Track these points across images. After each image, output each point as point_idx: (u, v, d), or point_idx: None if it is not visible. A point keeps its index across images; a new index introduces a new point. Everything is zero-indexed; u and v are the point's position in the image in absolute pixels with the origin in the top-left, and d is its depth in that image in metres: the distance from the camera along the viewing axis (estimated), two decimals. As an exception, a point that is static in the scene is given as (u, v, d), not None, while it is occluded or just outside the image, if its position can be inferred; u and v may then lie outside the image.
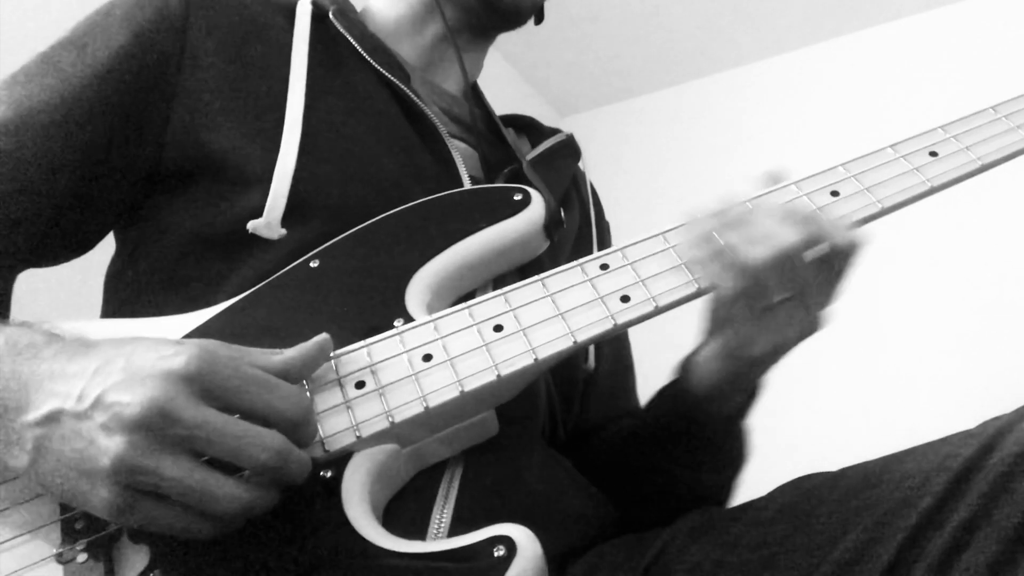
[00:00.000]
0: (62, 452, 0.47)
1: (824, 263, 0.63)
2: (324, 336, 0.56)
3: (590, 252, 0.87)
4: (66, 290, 1.09)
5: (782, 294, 0.62)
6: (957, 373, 2.23)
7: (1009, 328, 2.23)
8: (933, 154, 0.69)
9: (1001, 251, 2.35)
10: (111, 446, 0.45)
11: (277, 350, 0.54)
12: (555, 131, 0.95)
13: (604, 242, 0.95)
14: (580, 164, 0.97)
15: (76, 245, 0.72)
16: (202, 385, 0.47)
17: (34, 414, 0.48)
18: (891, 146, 0.70)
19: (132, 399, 0.45)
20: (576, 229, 0.90)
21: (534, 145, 0.91)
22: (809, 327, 0.65)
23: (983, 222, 2.28)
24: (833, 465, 0.67)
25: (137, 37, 0.69)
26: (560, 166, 0.90)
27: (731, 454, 0.77)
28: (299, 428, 0.51)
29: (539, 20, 0.92)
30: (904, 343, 2.30)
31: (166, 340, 0.49)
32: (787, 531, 0.60)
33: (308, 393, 0.56)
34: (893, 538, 0.54)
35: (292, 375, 0.54)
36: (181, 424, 0.45)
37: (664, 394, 0.78)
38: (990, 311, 2.28)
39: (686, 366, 0.73)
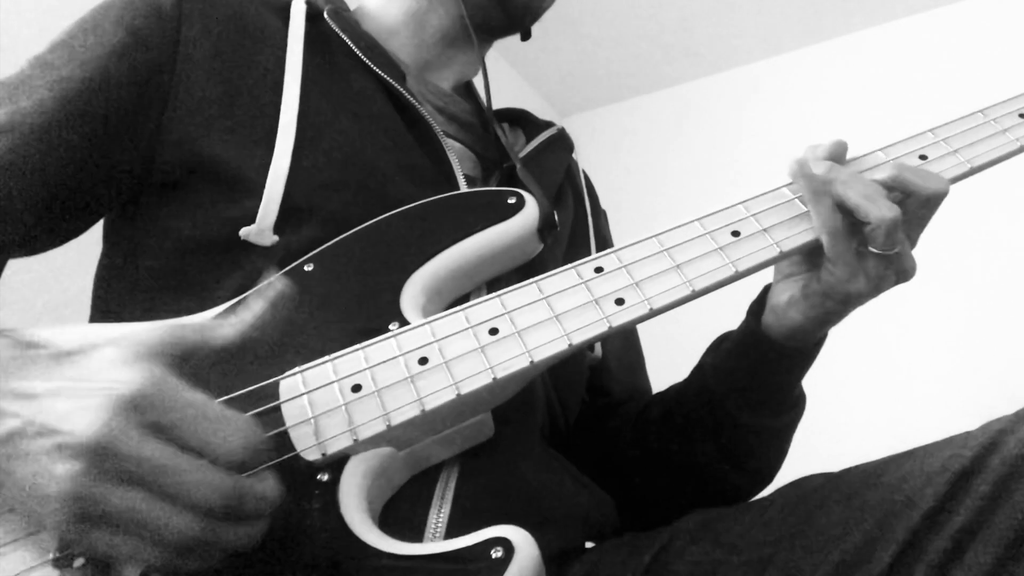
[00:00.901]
0: (18, 473, 0.46)
1: (915, 212, 0.68)
2: (273, 284, 0.54)
3: (587, 245, 0.89)
4: (58, 291, 1.10)
5: (889, 248, 0.66)
6: (958, 374, 2.23)
7: (1010, 329, 2.23)
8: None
9: (1002, 251, 2.35)
10: (60, 473, 0.44)
11: (233, 318, 0.53)
12: (548, 124, 0.95)
13: (600, 232, 0.95)
14: (574, 155, 0.97)
15: (63, 238, 0.72)
16: (150, 416, 0.45)
17: None
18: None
19: (78, 428, 0.44)
20: (571, 223, 0.90)
21: (529, 138, 0.91)
22: (905, 272, 0.69)
23: (983, 222, 2.28)
24: (834, 466, 0.67)
25: (130, 38, 0.69)
26: (553, 161, 0.90)
27: (794, 399, 0.78)
28: (246, 465, 0.48)
29: (526, 37, 0.92)
30: (905, 344, 2.30)
31: (126, 357, 0.47)
32: (788, 532, 0.60)
33: (306, 399, 0.56)
34: (894, 539, 0.54)
35: (250, 340, 0.52)
36: (122, 458, 0.44)
37: (725, 341, 0.79)
38: (991, 311, 2.28)
39: (759, 308, 0.75)
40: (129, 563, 0.48)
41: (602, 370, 0.89)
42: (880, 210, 0.64)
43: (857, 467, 0.64)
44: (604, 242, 0.96)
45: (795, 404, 0.78)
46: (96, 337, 0.49)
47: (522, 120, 0.96)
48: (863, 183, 0.66)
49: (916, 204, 0.68)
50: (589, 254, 0.87)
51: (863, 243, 0.66)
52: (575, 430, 0.85)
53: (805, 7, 2.68)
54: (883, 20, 2.72)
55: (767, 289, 0.75)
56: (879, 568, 0.53)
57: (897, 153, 0.71)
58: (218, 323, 0.52)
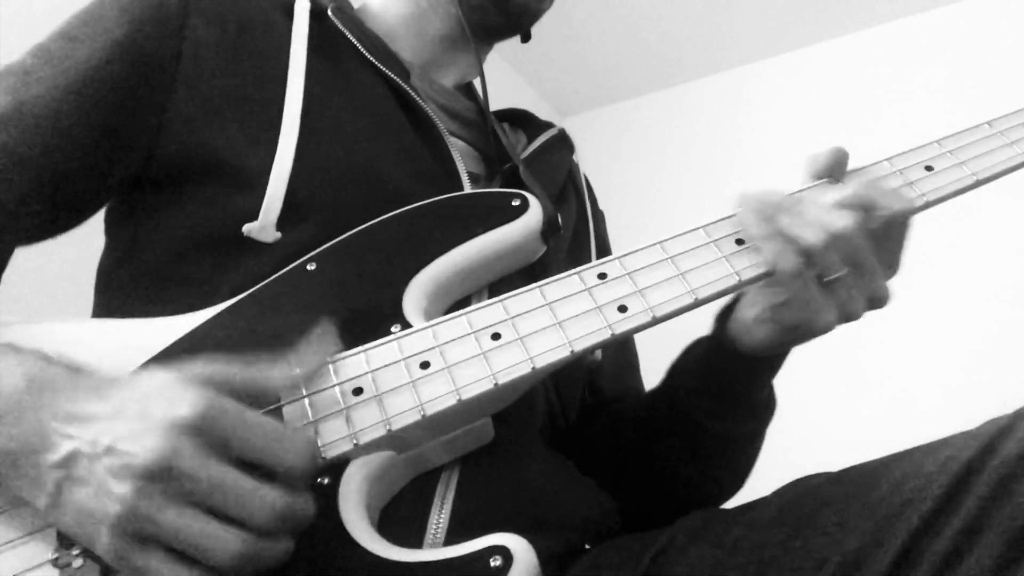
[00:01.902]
0: (76, 495, 0.47)
1: (882, 234, 0.66)
2: (325, 333, 0.57)
3: (587, 245, 0.89)
4: (59, 286, 1.09)
5: (840, 270, 0.64)
6: (958, 373, 2.23)
7: (1010, 328, 2.23)
8: None
9: (1001, 251, 2.35)
10: (119, 493, 0.46)
11: (282, 364, 0.54)
12: (549, 124, 0.95)
13: (600, 233, 0.95)
14: (574, 157, 0.97)
15: (62, 227, 0.72)
16: (209, 436, 0.47)
17: (54, 456, 0.48)
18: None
19: (139, 450, 0.46)
20: (573, 223, 0.90)
21: (530, 138, 0.91)
22: (878, 299, 0.67)
23: (983, 222, 2.28)
24: (834, 466, 0.67)
25: (134, 30, 0.69)
26: (555, 161, 0.90)
27: (760, 405, 0.78)
28: (305, 476, 0.51)
29: (526, 38, 0.92)
30: (905, 343, 2.30)
31: (178, 383, 0.49)
32: (787, 533, 0.60)
33: (307, 402, 0.56)
34: (894, 540, 0.54)
35: (297, 384, 0.55)
36: (185, 478, 0.46)
37: (696, 346, 0.78)
38: (991, 311, 2.28)
39: (726, 324, 0.74)
40: None
41: (595, 372, 0.89)
42: (808, 235, 0.63)
43: (856, 467, 0.64)
44: (602, 244, 0.97)
45: (764, 408, 0.78)
46: (117, 335, 0.52)
47: (523, 120, 0.96)
48: (802, 214, 0.64)
49: (881, 224, 0.66)
50: (590, 255, 0.87)
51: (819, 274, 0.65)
52: (573, 430, 0.85)
53: (805, 7, 2.68)
54: (883, 20, 2.72)
55: (738, 297, 0.74)
56: (879, 569, 0.53)
57: (903, 164, 0.71)
58: (269, 373, 0.54)
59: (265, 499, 0.47)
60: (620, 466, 0.82)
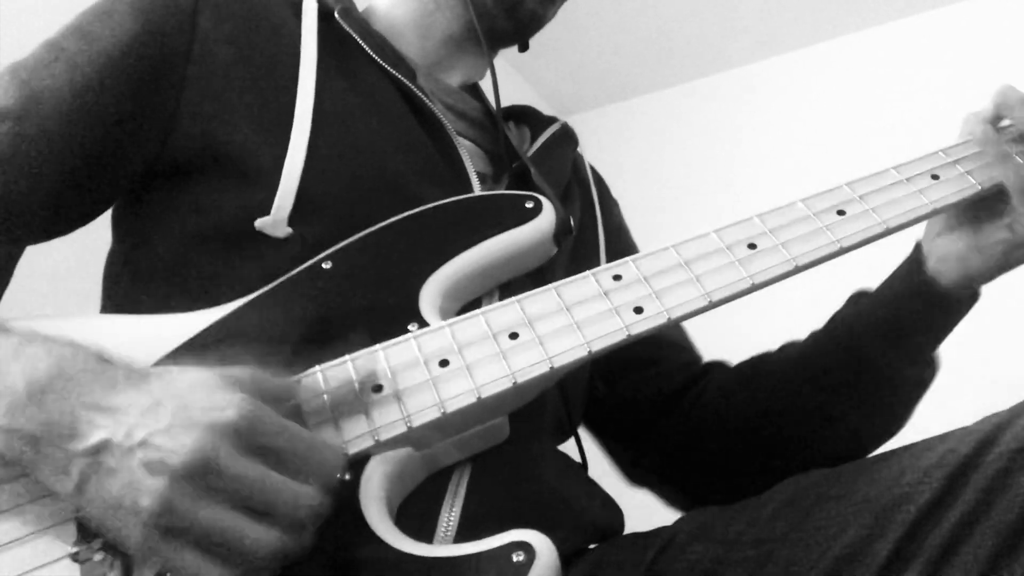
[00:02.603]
0: (105, 485, 0.47)
1: None
2: (369, 369, 0.58)
3: (595, 240, 0.90)
4: (65, 282, 1.09)
5: None
6: (956, 370, 2.23)
7: (1008, 326, 2.24)
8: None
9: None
10: (154, 487, 0.46)
11: (316, 386, 0.56)
12: (552, 119, 0.95)
13: (614, 221, 0.96)
14: (579, 149, 0.97)
15: (73, 225, 0.72)
16: (248, 440, 0.48)
17: (83, 443, 0.48)
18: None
19: (178, 447, 0.46)
20: (579, 218, 0.90)
21: (534, 135, 0.92)
22: None
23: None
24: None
25: (146, 25, 0.69)
26: (560, 157, 0.91)
27: (934, 357, 0.80)
28: (332, 481, 0.52)
29: (524, 48, 0.93)
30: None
31: (218, 384, 0.50)
32: (786, 528, 0.61)
33: (327, 399, 0.57)
34: (892, 533, 0.54)
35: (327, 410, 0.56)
36: (223, 477, 0.47)
37: (864, 297, 0.81)
38: (989, 308, 2.28)
39: (915, 262, 0.77)
40: None
41: (672, 344, 0.90)
42: None
43: (855, 463, 0.64)
44: (619, 231, 0.97)
45: (933, 362, 0.80)
46: (128, 330, 0.52)
47: (527, 117, 0.97)
48: None
49: None
50: (596, 249, 0.88)
51: None
52: (649, 416, 0.86)
53: (805, 7, 2.68)
54: (883, 20, 2.72)
55: (918, 246, 0.78)
56: (877, 562, 0.54)
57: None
58: (296, 384, 0.55)
59: (301, 498, 0.48)
60: (757, 424, 0.82)
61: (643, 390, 0.88)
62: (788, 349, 0.85)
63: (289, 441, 0.50)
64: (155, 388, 0.50)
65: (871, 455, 0.65)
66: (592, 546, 0.73)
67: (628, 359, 0.82)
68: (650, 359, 0.89)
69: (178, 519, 0.46)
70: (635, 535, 0.72)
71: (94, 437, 0.48)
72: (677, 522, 0.69)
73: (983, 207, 0.73)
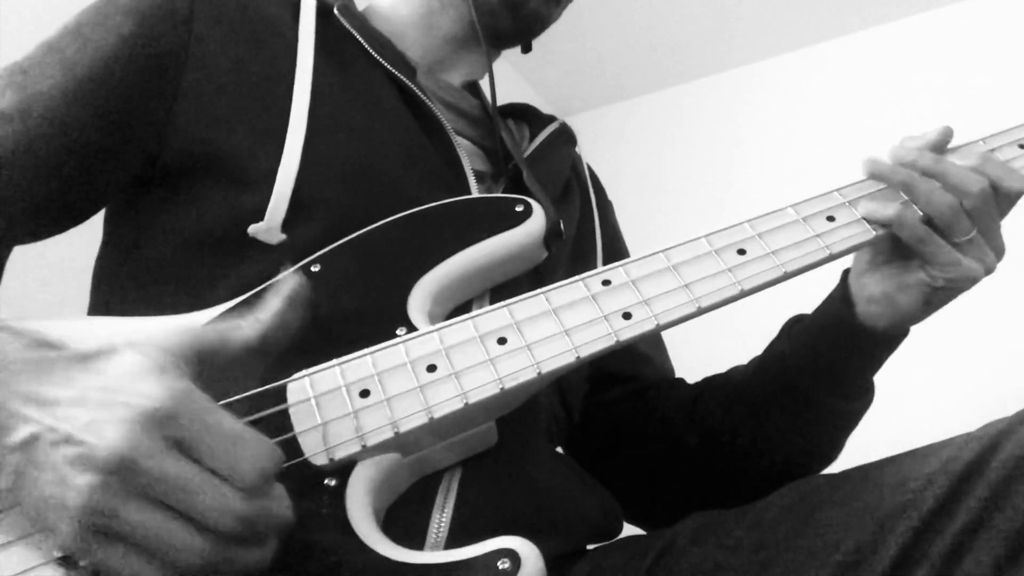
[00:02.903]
0: (36, 480, 0.45)
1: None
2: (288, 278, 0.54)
3: (592, 240, 0.89)
4: (52, 283, 1.09)
5: (970, 232, 0.69)
6: (959, 375, 2.23)
7: (1011, 330, 2.24)
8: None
9: (1008, 251, 2.35)
10: (81, 483, 0.43)
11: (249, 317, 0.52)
12: (551, 118, 0.95)
13: (608, 223, 0.96)
14: (577, 149, 0.97)
15: (66, 224, 0.72)
16: (174, 432, 0.45)
17: (12, 438, 0.45)
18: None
19: (100, 441, 0.43)
20: (576, 219, 0.90)
21: (533, 133, 0.92)
22: (988, 267, 0.71)
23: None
24: (834, 467, 0.68)
25: (142, 27, 0.69)
26: (558, 156, 0.91)
27: (869, 384, 0.80)
28: (255, 486, 0.47)
29: (527, 49, 0.92)
30: (906, 345, 2.30)
31: (150, 367, 0.46)
32: (788, 533, 0.61)
33: (314, 403, 0.56)
34: (895, 540, 0.54)
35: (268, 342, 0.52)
36: (143, 474, 0.43)
37: (796, 326, 0.81)
38: (992, 313, 2.28)
39: (844, 296, 0.76)
40: None
41: (630, 354, 0.89)
42: (943, 199, 0.68)
43: (857, 468, 0.64)
44: (612, 233, 0.97)
45: (868, 390, 0.80)
46: (115, 340, 0.49)
47: (527, 115, 0.96)
48: (946, 173, 0.69)
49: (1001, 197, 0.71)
50: (594, 248, 0.88)
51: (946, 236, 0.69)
52: (586, 426, 0.85)
53: (805, 7, 2.68)
54: (883, 20, 2.72)
55: (845, 276, 0.77)
56: (880, 569, 0.54)
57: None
58: (236, 324, 0.52)
59: (228, 505, 0.44)
60: (700, 449, 0.82)
61: (589, 405, 0.88)
62: (732, 373, 0.86)
63: (208, 433, 0.46)
64: (85, 378, 0.47)
65: (874, 461, 0.64)
66: (591, 547, 0.73)
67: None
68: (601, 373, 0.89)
69: (104, 518, 0.43)
70: (634, 538, 0.72)
71: (23, 431, 0.45)
72: (677, 525, 0.69)
73: (902, 244, 0.71)
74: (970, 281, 0.69)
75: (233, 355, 0.51)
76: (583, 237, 0.88)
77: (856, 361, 0.77)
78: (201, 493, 0.44)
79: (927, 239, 0.68)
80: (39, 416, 0.46)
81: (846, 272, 0.77)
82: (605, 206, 0.98)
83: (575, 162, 0.96)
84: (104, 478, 0.43)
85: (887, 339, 0.75)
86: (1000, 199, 0.70)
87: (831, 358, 0.76)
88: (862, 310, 0.74)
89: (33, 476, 0.45)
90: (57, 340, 0.51)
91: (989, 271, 0.70)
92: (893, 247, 0.72)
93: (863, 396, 0.79)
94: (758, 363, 0.83)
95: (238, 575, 0.46)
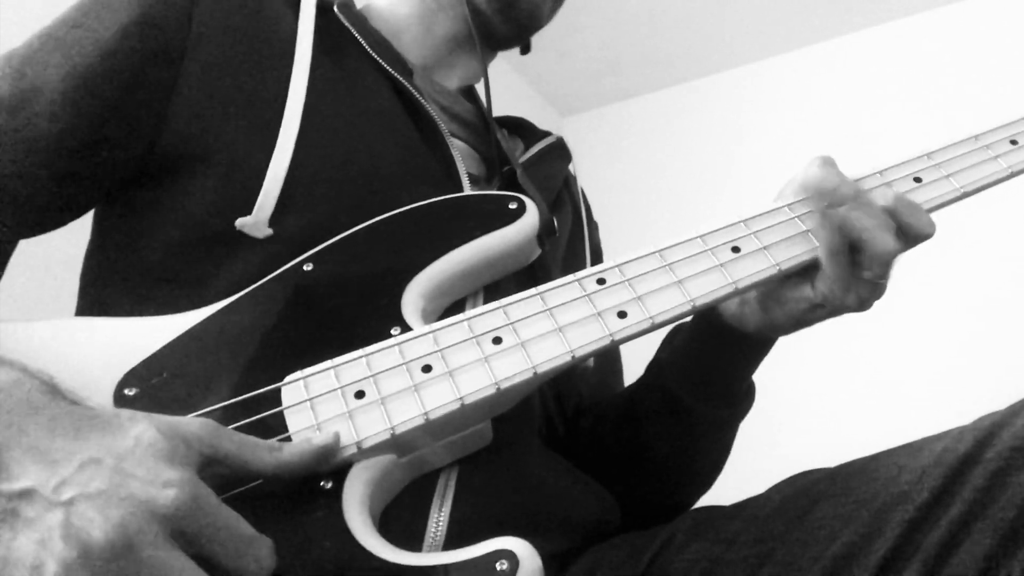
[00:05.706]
0: (17, 534, 0.43)
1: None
2: (327, 440, 0.54)
3: (582, 254, 0.90)
4: (39, 282, 1.08)
5: (883, 276, 0.66)
6: (952, 370, 2.23)
7: (1005, 325, 2.24)
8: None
9: (998, 248, 2.35)
10: (65, 556, 0.41)
11: (275, 450, 0.52)
12: (546, 133, 0.95)
13: (594, 242, 0.96)
14: (571, 167, 0.97)
15: (62, 219, 0.71)
16: (179, 527, 0.43)
17: (10, 485, 0.44)
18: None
19: (102, 521, 0.42)
20: (568, 231, 0.90)
21: (527, 146, 0.92)
22: (865, 307, 0.68)
23: (982, 219, 2.28)
24: (830, 462, 0.68)
25: (142, 17, 0.69)
26: (552, 168, 0.91)
27: (742, 394, 0.79)
28: None
29: (525, 50, 0.92)
30: (899, 341, 2.30)
31: (166, 452, 0.45)
32: (785, 527, 0.61)
33: (310, 406, 0.56)
34: (890, 532, 0.54)
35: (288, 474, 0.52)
36: (142, 563, 0.42)
37: (677, 336, 0.80)
38: (986, 308, 2.28)
39: (729, 312, 0.75)
40: None
41: (581, 374, 0.89)
42: (886, 243, 0.65)
43: (852, 462, 0.64)
44: (597, 252, 0.97)
45: (745, 396, 0.80)
46: (135, 411, 0.47)
47: (521, 128, 0.97)
48: (872, 210, 0.66)
49: (903, 239, 0.68)
50: (584, 263, 0.88)
51: (857, 266, 0.66)
52: (564, 437, 0.85)
53: (804, 7, 2.68)
54: (883, 20, 2.72)
55: None
56: (875, 561, 0.54)
57: (893, 176, 0.71)
58: (258, 448, 0.51)
59: None
60: (609, 464, 0.82)
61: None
62: (631, 384, 0.86)
63: (220, 534, 0.45)
64: (98, 440, 0.45)
65: (868, 455, 0.64)
66: (588, 545, 0.73)
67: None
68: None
69: None
70: (633, 535, 0.72)
71: (20, 482, 0.43)
72: (675, 521, 0.69)
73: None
74: (845, 311, 0.68)
75: (242, 475, 0.50)
76: (573, 252, 0.89)
77: (724, 362, 0.76)
78: None
79: (842, 256, 0.66)
80: (41, 470, 0.44)
81: None
82: (593, 226, 0.98)
83: (568, 178, 0.96)
84: (91, 559, 0.41)
85: (753, 343, 0.75)
86: (909, 241, 0.68)
87: (701, 363, 0.77)
88: (733, 311, 0.74)
89: (15, 529, 0.43)
90: (70, 391, 0.49)
91: (862, 310, 0.69)
92: None
93: (734, 403, 0.79)
94: (640, 378, 0.83)
95: None
